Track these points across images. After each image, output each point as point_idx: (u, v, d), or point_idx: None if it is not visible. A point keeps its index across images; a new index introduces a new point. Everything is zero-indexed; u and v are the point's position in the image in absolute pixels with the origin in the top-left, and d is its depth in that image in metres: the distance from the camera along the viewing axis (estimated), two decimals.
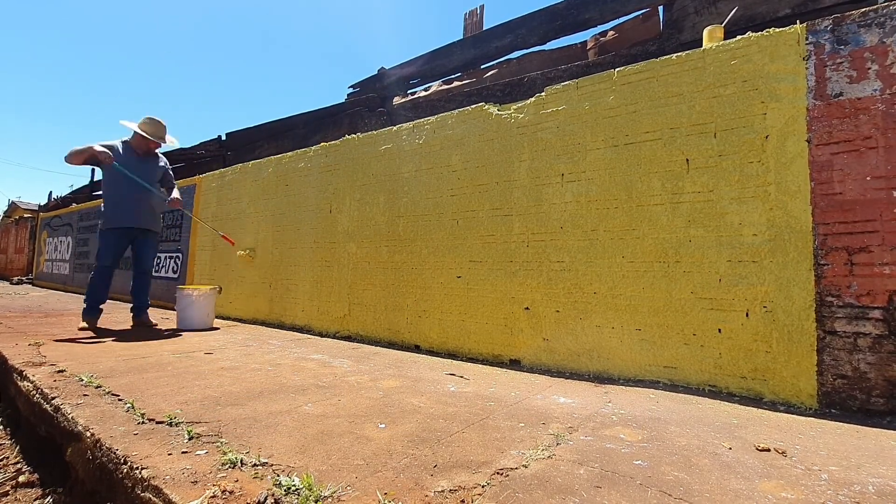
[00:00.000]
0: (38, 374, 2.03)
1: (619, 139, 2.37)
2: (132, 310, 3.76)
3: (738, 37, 2.12)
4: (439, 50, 6.57)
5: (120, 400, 1.71)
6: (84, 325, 3.43)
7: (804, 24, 1.97)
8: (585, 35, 5.63)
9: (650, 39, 4.79)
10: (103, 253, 3.52)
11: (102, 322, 3.72)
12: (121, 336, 3.26)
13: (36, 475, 1.71)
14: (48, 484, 1.63)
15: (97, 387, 1.87)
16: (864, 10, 1.87)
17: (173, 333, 3.49)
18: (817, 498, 1.08)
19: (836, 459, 1.32)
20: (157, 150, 3.76)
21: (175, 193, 3.79)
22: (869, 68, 1.82)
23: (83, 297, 3.61)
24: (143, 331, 3.56)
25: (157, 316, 4.54)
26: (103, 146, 3.42)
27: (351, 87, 7.55)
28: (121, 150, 3.53)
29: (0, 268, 13.35)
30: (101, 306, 3.53)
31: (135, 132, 3.58)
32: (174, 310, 3.91)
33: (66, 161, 3.33)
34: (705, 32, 2.59)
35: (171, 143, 3.78)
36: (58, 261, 8.98)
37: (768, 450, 1.37)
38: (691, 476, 1.18)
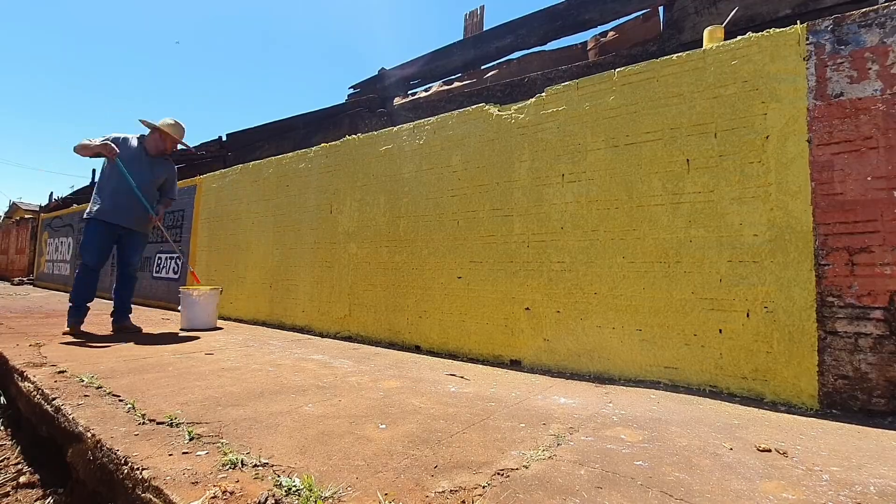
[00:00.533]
0: (38, 374, 2.03)
1: (619, 139, 2.37)
2: (112, 314, 3.54)
3: (739, 37, 2.12)
4: (440, 50, 6.57)
5: (121, 400, 1.71)
6: (67, 330, 3.27)
7: (805, 25, 1.97)
8: (586, 35, 5.63)
9: (650, 40, 4.79)
10: (88, 247, 3.33)
11: (104, 324, 3.72)
12: (121, 336, 3.26)
13: (37, 476, 1.71)
14: (49, 485, 1.63)
15: (98, 387, 1.87)
16: (864, 10, 1.86)
17: (174, 334, 3.49)
18: (818, 498, 1.08)
19: (838, 460, 1.32)
20: (168, 154, 3.68)
21: (161, 208, 3.66)
22: (869, 68, 1.82)
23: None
24: (143, 331, 3.56)
25: (157, 317, 4.54)
26: (112, 138, 3.41)
27: (351, 87, 7.56)
28: (133, 145, 3.48)
29: (1, 268, 13.36)
30: (87, 305, 3.37)
31: (154, 130, 3.52)
32: (175, 310, 3.92)
33: (75, 152, 3.30)
34: (706, 33, 2.59)
35: (186, 146, 3.77)
36: (59, 261, 8.99)
37: (769, 450, 1.37)
38: (692, 476, 1.18)
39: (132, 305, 3.66)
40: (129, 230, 3.47)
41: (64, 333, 3.24)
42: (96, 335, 3.27)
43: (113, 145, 3.30)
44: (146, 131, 3.61)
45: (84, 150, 3.27)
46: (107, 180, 3.42)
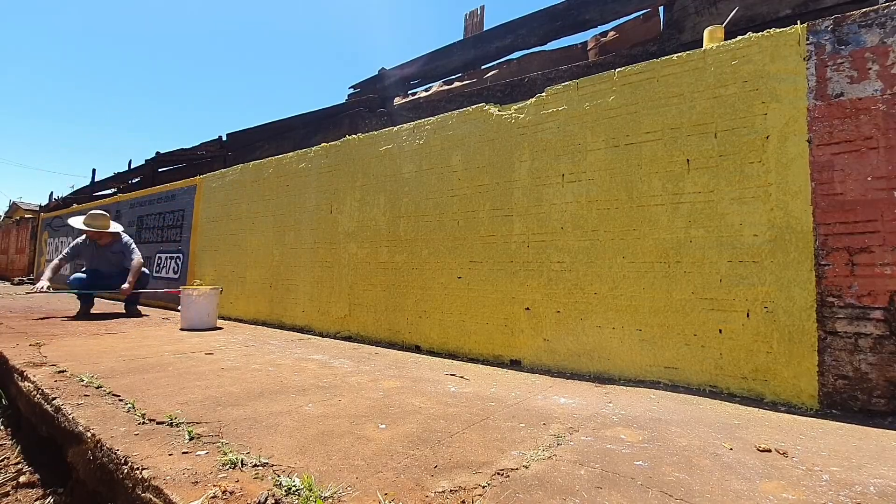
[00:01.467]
0: (38, 374, 2.03)
1: (619, 139, 2.37)
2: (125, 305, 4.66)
3: (739, 37, 2.12)
4: (440, 50, 6.57)
5: (121, 400, 1.71)
6: (80, 312, 4.36)
7: (805, 25, 1.97)
8: (586, 35, 5.64)
9: (651, 40, 4.79)
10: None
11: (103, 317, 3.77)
12: (121, 336, 3.26)
13: (37, 476, 1.71)
14: (49, 484, 1.63)
15: (98, 387, 1.87)
16: (864, 10, 1.86)
17: (174, 334, 3.49)
18: (818, 498, 1.08)
19: (838, 460, 1.32)
20: (113, 238, 4.58)
21: (129, 276, 4.46)
22: (870, 69, 1.82)
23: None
24: (143, 331, 3.57)
25: (157, 316, 4.54)
26: (72, 246, 4.57)
27: (351, 87, 7.56)
28: (88, 244, 4.54)
29: (1, 268, 13.35)
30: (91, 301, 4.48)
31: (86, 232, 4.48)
32: (175, 310, 3.94)
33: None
34: (706, 33, 2.59)
35: (116, 229, 4.59)
36: None
37: (769, 450, 1.37)
38: (692, 477, 1.18)
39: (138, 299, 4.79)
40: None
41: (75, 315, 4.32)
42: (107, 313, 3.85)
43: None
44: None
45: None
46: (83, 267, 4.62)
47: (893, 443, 1.47)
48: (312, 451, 1.29)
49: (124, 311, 4.68)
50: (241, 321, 4.44)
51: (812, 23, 1.95)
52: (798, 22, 2.01)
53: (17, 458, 1.88)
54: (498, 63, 6.29)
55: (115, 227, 4.68)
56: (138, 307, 4.81)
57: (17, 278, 10.76)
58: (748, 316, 1.98)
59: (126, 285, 4.34)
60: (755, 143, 2.02)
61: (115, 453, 1.25)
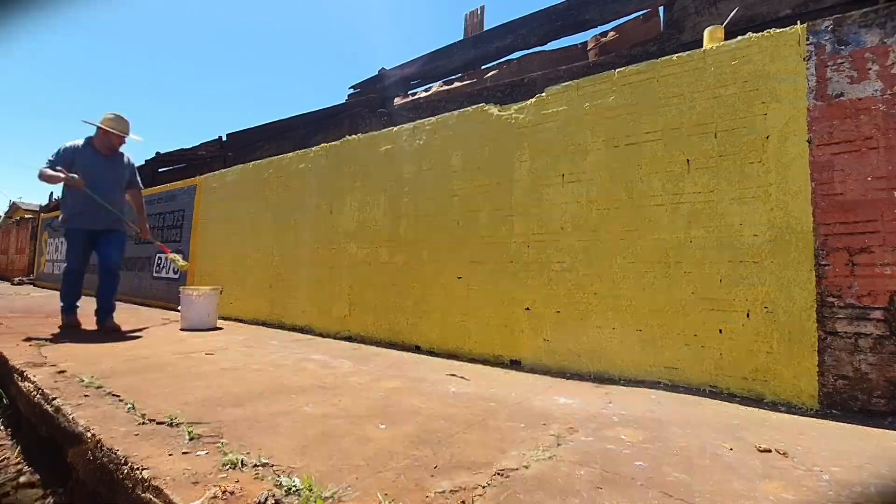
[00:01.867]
0: (38, 374, 2.03)
1: (619, 139, 2.37)
2: (96, 312, 3.50)
3: (739, 37, 2.12)
4: (440, 50, 6.57)
5: (121, 401, 1.71)
6: (64, 323, 3.50)
7: (805, 25, 1.97)
8: (586, 35, 5.63)
9: (651, 40, 4.79)
10: (69, 252, 3.56)
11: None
12: (122, 336, 3.26)
13: (37, 476, 1.71)
14: (49, 485, 1.63)
15: (98, 387, 1.87)
16: (864, 10, 1.86)
17: (174, 334, 3.49)
18: (819, 499, 1.08)
19: (838, 460, 1.32)
20: (121, 149, 3.61)
21: (143, 218, 3.85)
22: (870, 69, 1.82)
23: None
24: (143, 331, 3.57)
25: (157, 316, 4.53)
26: (65, 149, 3.40)
27: (351, 87, 7.55)
28: (85, 150, 3.47)
29: (1, 268, 13.35)
30: (76, 304, 3.58)
31: (98, 129, 3.46)
32: (175, 310, 3.93)
33: (41, 180, 3.31)
34: (706, 33, 2.59)
35: (136, 139, 3.65)
36: (59, 261, 8.98)
37: (769, 450, 1.37)
38: (692, 477, 1.18)
39: (115, 303, 3.62)
40: (105, 230, 3.54)
41: (60, 327, 3.47)
42: (85, 330, 3.37)
43: (78, 177, 3.29)
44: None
45: (52, 180, 3.31)
46: (71, 191, 3.42)
47: (893, 443, 1.47)
48: (313, 451, 1.29)
49: (97, 326, 3.47)
50: (241, 321, 4.44)
51: (812, 23, 1.95)
52: (798, 22, 2.01)
53: (17, 458, 1.88)
54: (498, 63, 6.29)
55: (135, 136, 3.67)
56: (113, 316, 3.54)
57: (17, 278, 10.76)
58: (748, 316, 1.98)
59: (144, 227, 3.84)
60: (755, 144, 2.02)
61: (116, 453, 1.25)
